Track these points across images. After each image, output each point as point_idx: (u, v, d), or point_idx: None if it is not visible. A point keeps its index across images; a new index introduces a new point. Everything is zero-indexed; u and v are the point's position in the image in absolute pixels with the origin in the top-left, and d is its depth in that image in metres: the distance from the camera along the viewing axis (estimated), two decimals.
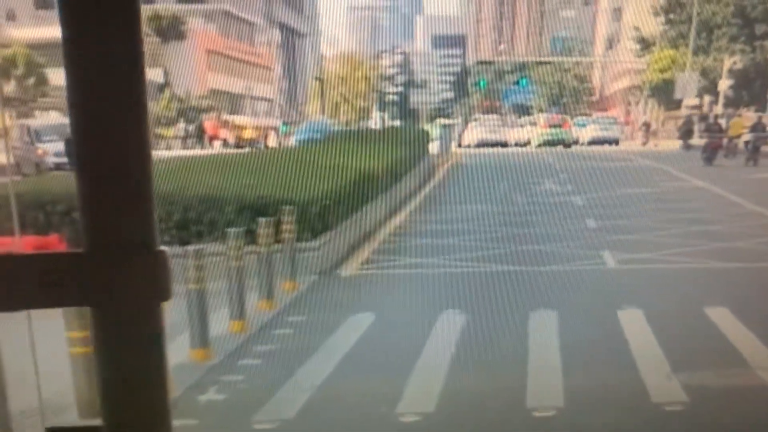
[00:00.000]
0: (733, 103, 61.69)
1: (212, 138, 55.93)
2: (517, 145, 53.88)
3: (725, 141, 38.98)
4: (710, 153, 36.76)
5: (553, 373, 9.51)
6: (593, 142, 50.94)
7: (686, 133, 46.51)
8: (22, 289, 1.38)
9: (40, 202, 15.40)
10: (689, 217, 20.70)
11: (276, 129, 70.62)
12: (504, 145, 53.84)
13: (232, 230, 12.38)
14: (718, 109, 59.90)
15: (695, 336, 11.23)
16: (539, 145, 50.42)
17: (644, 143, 53.71)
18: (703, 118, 46.44)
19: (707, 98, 61.97)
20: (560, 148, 49.14)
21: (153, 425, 1.46)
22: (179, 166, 19.32)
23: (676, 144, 45.97)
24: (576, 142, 51.39)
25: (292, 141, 47.84)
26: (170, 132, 58.71)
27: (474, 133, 56.48)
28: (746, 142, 37.99)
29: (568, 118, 57.93)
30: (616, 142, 53.25)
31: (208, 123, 60.91)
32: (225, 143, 57.73)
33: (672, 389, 9.02)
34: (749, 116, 44.15)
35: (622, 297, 13.25)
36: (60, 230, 14.79)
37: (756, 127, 38.40)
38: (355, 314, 12.45)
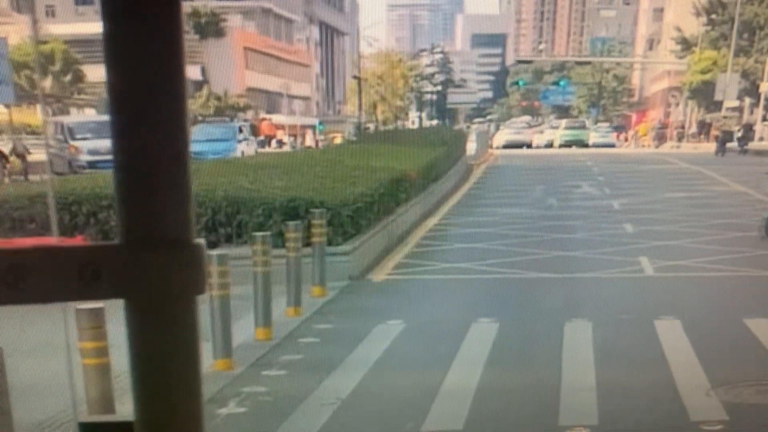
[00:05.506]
0: None
1: (269, 138, 57.58)
2: (538, 147, 62.04)
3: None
4: (659, 143, 61.10)
5: (588, 387, 9.17)
6: (595, 145, 60.39)
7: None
8: (62, 282, 1.38)
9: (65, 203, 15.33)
10: None
11: (313, 128, 70.88)
12: (528, 146, 61.10)
13: (258, 234, 12.10)
14: (759, 111, 59.57)
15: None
16: (561, 146, 59.46)
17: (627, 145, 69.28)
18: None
19: (748, 100, 61.38)
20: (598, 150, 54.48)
21: (186, 419, 1.45)
22: (209, 167, 19.17)
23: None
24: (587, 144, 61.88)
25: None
26: None
27: (501, 135, 64.99)
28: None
29: (587, 122, 70.87)
30: (612, 145, 63.77)
31: (265, 124, 62.05)
32: (280, 143, 59.02)
33: (712, 406, 8.65)
34: None
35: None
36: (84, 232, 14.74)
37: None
38: (384, 322, 12.17)
